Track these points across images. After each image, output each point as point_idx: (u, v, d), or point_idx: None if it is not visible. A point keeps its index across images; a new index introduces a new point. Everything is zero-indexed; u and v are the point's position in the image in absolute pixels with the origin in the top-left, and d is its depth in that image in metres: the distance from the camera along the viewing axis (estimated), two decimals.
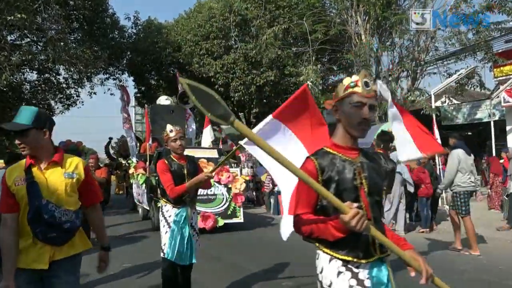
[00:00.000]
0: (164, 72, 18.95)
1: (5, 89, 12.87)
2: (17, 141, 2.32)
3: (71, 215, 2.32)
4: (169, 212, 3.96)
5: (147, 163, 9.38)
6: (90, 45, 13.83)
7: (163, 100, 12.21)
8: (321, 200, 1.73)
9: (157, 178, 7.93)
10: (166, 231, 3.88)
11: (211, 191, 8.32)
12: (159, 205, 7.62)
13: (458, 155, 6.31)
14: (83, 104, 16.77)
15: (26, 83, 15.09)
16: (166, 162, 3.93)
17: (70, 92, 15.91)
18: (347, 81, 1.75)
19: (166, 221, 3.94)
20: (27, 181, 2.27)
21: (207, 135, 11.69)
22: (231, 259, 6.34)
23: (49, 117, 2.44)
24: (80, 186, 2.42)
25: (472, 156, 6.61)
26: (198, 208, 7.69)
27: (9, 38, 12.95)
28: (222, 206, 8.54)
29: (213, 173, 6.09)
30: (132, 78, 19.79)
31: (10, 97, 13.72)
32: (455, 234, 6.58)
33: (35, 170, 2.32)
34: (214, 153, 9.39)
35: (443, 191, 7.99)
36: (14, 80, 12.02)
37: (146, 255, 6.56)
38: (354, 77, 1.75)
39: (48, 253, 2.25)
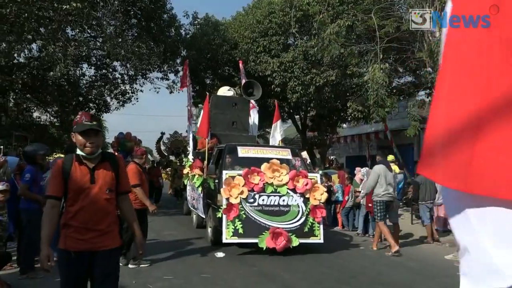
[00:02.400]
0: (220, 71, 18.39)
1: (63, 82, 12.93)
2: None
3: None
4: None
5: (205, 162, 8.13)
6: (146, 40, 13.53)
7: (225, 91, 10.93)
8: None
9: (216, 181, 7.13)
10: None
11: (283, 200, 6.80)
12: (219, 215, 6.84)
13: (379, 169, 7.39)
14: (137, 101, 16.60)
15: (83, 78, 15.10)
16: None
17: (125, 88, 15.75)
18: None
19: None
20: None
21: (277, 131, 10.16)
22: None
23: None
24: None
25: (393, 172, 7.79)
26: (267, 222, 6.54)
27: (70, 33, 12.96)
28: (297, 221, 6.77)
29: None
30: None
31: (67, 90, 13.67)
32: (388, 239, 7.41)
33: None
34: (287, 153, 7.89)
35: None
36: (70, 73, 11.93)
37: (191, 269, 5.89)
38: None
39: None
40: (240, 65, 12.24)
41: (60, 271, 2.76)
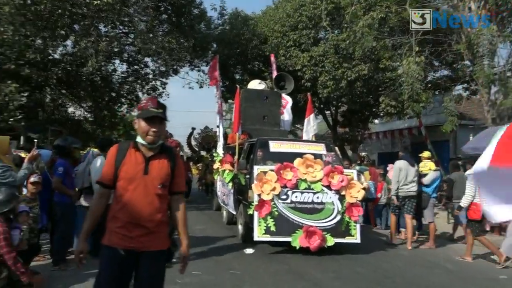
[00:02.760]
0: (249, 66, 18.11)
1: (96, 78, 12.98)
2: None
3: None
4: None
5: (236, 156, 7.85)
6: (176, 36, 13.41)
7: (256, 84, 10.57)
8: None
9: (247, 176, 6.86)
10: None
11: (317, 198, 6.38)
12: (250, 212, 6.39)
13: (400, 165, 7.57)
14: (168, 97, 16.52)
15: (115, 74, 15.14)
16: None
17: (156, 83, 15.69)
18: None
19: None
20: None
21: (310, 125, 9.68)
22: None
23: None
24: None
25: (416, 167, 7.77)
26: (300, 220, 6.19)
27: (103, 30, 12.99)
28: (332, 220, 6.35)
29: None
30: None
31: (100, 86, 13.71)
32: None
33: None
34: (321, 148, 7.48)
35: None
36: (102, 69, 11.94)
37: (220, 265, 5.72)
38: None
39: None
40: (272, 58, 11.91)
41: (102, 269, 2.48)
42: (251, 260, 6.10)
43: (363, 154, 18.71)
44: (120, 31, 14.32)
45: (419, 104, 12.92)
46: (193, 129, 17.61)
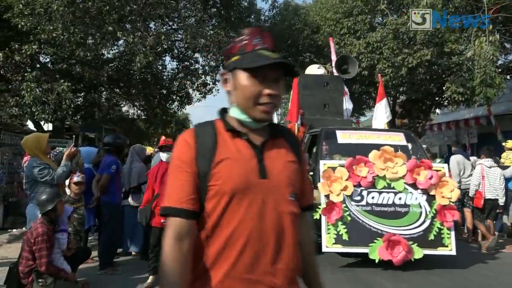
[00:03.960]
0: (301, 57, 16.95)
1: (147, 76, 12.56)
2: None
3: None
4: None
5: None
6: (225, 29, 12.63)
7: (315, 69, 9.32)
8: None
9: (311, 173, 5.73)
10: None
11: (400, 199, 5.03)
12: (317, 217, 4.77)
13: (457, 158, 7.47)
14: (218, 92, 15.81)
15: (165, 71, 14.67)
16: None
17: (206, 79, 15.00)
18: None
19: None
20: None
21: (381, 112, 8.16)
22: None
23: None
24: None
25: (471, 160, 7.80)
26: (379, 226, 4.79)
27: (153, 27, 12.48)
28: (419, 226, 4.99)
29: None
30: None
31: (150, 83, 13.22)
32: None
33: None
34: (400, 138, 6.03)
35: None
36: (152, 64, 11.37)
37: None
38: None
39: None
40: (331, 42, 10.70)
41: None
42: None
43: (424, 146, 16.96)
44: (170, 27, 13.82)
45: (492, 89, 11.21)
46: None
